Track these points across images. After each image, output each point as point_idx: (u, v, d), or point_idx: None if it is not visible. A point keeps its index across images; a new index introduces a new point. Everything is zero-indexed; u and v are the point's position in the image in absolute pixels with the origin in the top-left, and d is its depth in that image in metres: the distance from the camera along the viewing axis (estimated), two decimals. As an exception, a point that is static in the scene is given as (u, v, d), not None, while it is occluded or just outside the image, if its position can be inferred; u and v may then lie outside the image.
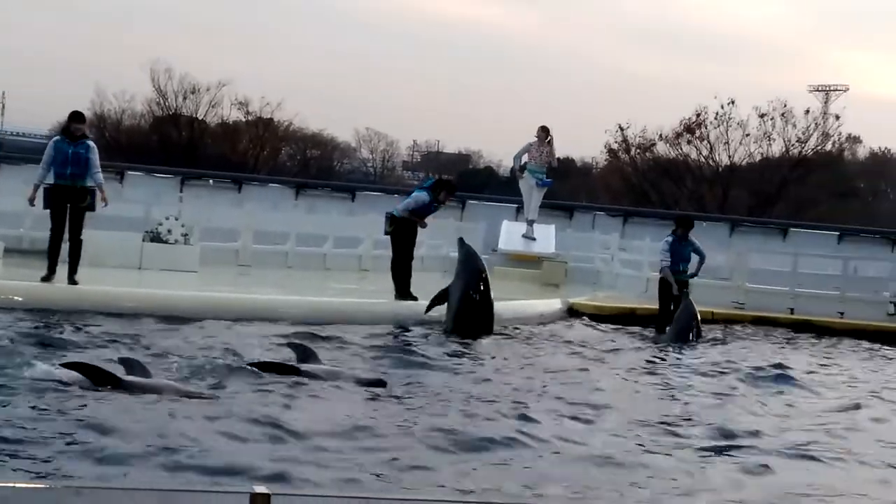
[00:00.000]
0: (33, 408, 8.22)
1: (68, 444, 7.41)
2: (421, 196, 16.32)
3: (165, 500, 5.81)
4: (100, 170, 15.08)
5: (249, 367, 10.06)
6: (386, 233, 16.47)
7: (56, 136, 15.65)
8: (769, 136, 49.62)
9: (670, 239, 17.10)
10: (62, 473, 6.90)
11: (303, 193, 28.05)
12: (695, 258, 17.28)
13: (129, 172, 26.25)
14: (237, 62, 77.50)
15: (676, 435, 9.03)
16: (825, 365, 14.98)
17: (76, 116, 15.43)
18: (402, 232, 16.29)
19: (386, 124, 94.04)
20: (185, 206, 23.02)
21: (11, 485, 6.35)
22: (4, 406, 8.25)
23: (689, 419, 9.79)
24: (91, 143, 15.19)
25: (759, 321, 19.33)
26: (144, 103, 51.74)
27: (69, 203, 14.79)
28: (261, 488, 3.72)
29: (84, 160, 14.86)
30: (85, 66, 70.05)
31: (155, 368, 9.61)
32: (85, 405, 8.37)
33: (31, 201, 15.10)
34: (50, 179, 14.85)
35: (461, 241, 15.77)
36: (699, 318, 16.36)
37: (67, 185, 14.77)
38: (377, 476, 7.18)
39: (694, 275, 17.25)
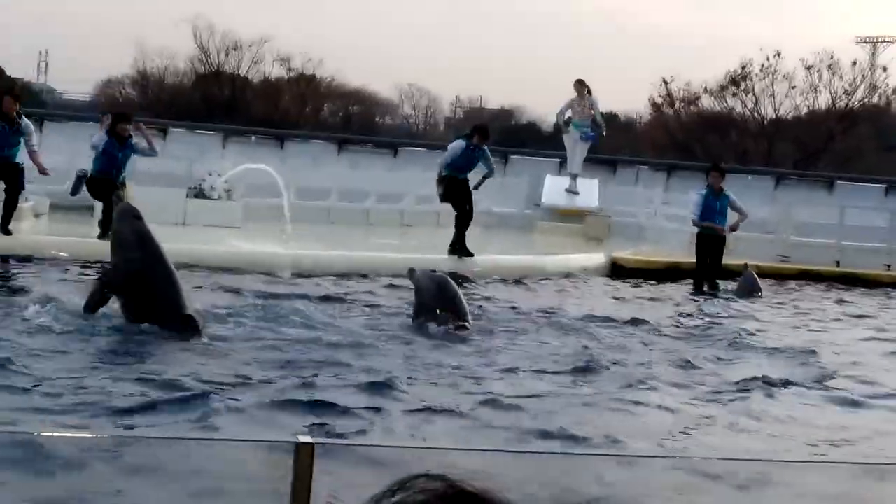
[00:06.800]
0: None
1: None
2: (457, 144, 16.59)
3: (211, 448, 5.90)
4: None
5: None
6: (442, 199, 16.68)
7: (105, 137, 15.75)
8: (815, 89, 48.88)
9: (704, 192, 16.88)
10: (120, 424, 7.03)
11: (345, 149, 28.00)
12: (732, 214, 17.01)
13: (172, 129, 26.27)
14: (278, 18, 77.16)
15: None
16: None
17: (123, 118, 15.96)
18: (453, 191, 16.43)
19: (428, 80, 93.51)
20: (228, 162, 23.02)
21: (49, 434, 6.49)
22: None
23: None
24: (133, 141, 15.80)
25: (804, 275, 19.17)
26: (187, 60, 51.71)
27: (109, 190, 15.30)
28: (305, 438, 3.71)
29: (126, 162, 15.89)
30: (127, 23, 70.15)
31: None
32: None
33: (74, 192, 16.09)
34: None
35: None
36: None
37: (111, 179, 15.46)
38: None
39: (734, 228, 17.05)
